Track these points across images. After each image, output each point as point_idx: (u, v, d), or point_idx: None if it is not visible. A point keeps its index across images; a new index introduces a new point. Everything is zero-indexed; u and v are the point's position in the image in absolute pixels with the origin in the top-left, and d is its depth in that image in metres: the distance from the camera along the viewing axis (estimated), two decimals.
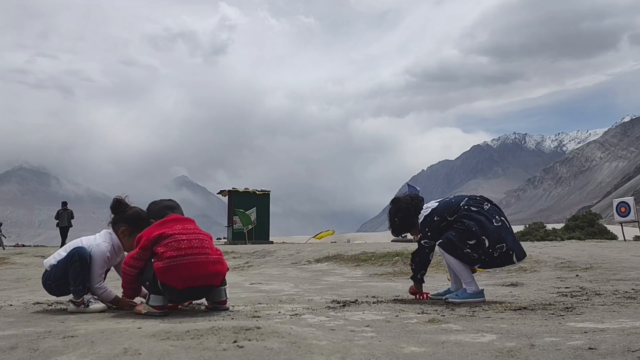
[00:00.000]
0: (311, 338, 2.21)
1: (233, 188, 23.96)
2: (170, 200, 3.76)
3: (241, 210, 21.67)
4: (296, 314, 3.18)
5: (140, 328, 2.41)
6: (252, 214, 21.87)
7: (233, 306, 3.60)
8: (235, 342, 2.09)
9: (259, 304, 3.77)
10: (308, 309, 3.45)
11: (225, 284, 3.49)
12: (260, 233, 22.31)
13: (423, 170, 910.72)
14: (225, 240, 25.42)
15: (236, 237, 22.08)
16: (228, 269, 3.58)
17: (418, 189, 21.43)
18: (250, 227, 21.66)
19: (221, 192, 24.42)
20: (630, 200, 18.77)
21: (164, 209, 3.63)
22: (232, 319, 2.98)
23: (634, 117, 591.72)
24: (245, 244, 18.68)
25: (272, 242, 20.72)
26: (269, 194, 23.99)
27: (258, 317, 3.07)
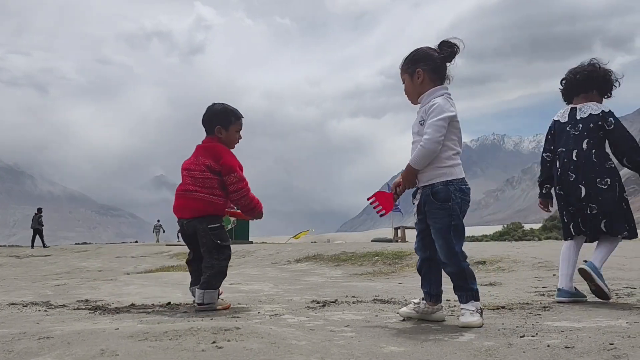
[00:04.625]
0: (291, 338, 2.21)
1: None
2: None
3: None
4: (276, 314, 3.17)
5: (118, 329, 2.38)
6: None
7: None
8: (214, 342, 2.07)
9: (239, 304, 3.74)
10: (288, 309, 3.44)
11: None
12: (240, 233, 22.23)
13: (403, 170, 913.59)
14: None
15: None
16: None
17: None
18: (230, 227, 21.55)
19: None
20: None
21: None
22: (211, 319, 2.95)
23: None
24: None
25: (251, 242, 20.64)
26: None
27: (237, 317, 3.06)
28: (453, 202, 2.75)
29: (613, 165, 3.58)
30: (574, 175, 3.58)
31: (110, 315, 3.23)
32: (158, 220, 39.97)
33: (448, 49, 2.89)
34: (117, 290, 4.80)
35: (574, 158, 3.59)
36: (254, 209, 3.55)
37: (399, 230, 22.07)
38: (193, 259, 3.62)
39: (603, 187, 3.51)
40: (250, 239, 22.94)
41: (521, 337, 2.33)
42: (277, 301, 3.92)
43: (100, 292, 4.72)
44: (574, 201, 3.59)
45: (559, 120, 3.78)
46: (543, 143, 3.92)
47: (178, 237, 19.20)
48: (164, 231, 40.48)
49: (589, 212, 3.53)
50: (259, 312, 3.28)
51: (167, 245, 20.72)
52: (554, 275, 5.54)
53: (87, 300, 4.08)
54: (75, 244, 39.31)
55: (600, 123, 3.57)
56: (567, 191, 3.62)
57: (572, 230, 3.64)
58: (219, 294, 3.49)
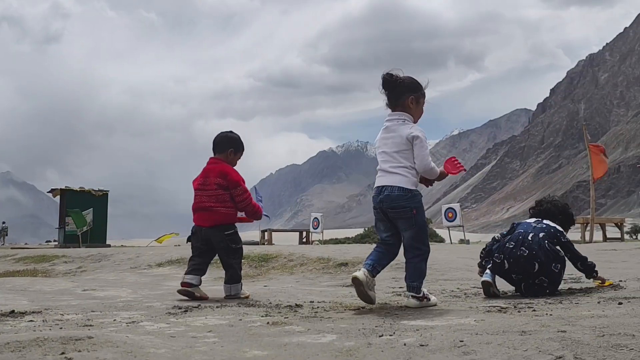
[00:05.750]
0: (148, 347, 2.10)
1: (66, 187, 22.37)
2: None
3: (75, 210, 20.27)
4: (133, 322, 3.00)
5: None
6: (88, 215, 20.57)
7: (62, 315, 3.31)
8: (62, 353, 1.91)
9: (92, 311, 3.51)
10: (147, 315, 3.28)
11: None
12: (96, 236, 21.05)
13: (271, 173, 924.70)
14: (56, 243, 23.62)
15: (68, 240, 20.60)
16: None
17: (261, 196, 21.82)
18: (84, 229, 20.34)
19: (52, 191, 22.66)
20: (456, 206, 20.63)
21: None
22: (61, 328, 2.73)
23: (461, 131, 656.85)
24: (79, 247, 17.48)
25: (109, 246, 19.60)
26: (107, 194, 22.70)
27: (90, 326, 2.86)
28: None
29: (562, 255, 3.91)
30: (527, 252, 3.79)
31: None
32: (3, 222, 36.78)
33: None
34: None
35: (529, 239, 3.84)
36: (256, 213, 4.44)
37: (266, 233, 22.18)
38: (194, 256, 4.39)
39: (555, 270, 3.79)
40: (107, 242, 21.77)
41: (380, 336, 2.42)
42: (135, 307, 3.73)
43: None
44: (521, 272, 3.81)
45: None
46: None
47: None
48: (6, 234, 37.37)
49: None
50: (114, 320, 3.09)
51: (12, 248, 19.02)
52: None
53: None
54: None
55: (558, 235, 3.92)
56: (517, 264, 3.81)
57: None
58: (241, 286, 4.40)
